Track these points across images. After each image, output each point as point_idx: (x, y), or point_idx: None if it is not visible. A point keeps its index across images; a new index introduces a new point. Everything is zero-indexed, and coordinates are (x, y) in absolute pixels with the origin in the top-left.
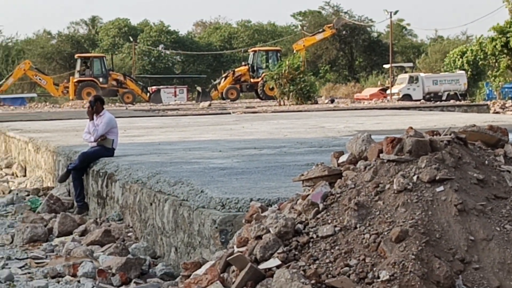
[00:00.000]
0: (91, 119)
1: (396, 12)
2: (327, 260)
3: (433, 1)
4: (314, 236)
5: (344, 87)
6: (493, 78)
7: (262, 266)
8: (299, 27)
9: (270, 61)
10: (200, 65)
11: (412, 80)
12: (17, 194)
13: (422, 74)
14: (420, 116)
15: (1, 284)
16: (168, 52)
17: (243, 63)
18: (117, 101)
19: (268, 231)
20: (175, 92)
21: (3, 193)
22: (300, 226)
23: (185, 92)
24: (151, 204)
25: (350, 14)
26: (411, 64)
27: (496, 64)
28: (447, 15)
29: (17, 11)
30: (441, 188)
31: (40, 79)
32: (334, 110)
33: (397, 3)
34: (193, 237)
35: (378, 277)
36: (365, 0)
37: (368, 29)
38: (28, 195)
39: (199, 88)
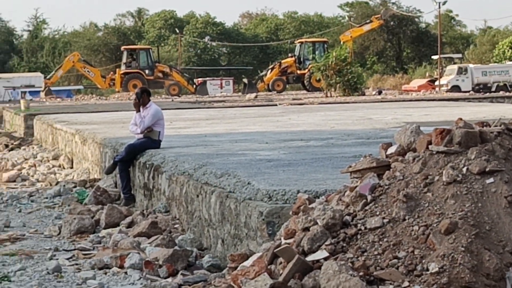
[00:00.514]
0: (138, 111)
1: (444, 3)
2: (376, 252)
3: None
4: (362, 228)
5: (392, 78)
6: None
7: (310, 258)
8: (346, 18)
9: (316, 52)
10: (246, 56)
11: (461, 71)
12: (64, 185)
13: (471, 65)
14: (469, 107)
15: (49, 275)
16: (214, 43)
17: (289, 55)
18: (163, 93)
19: (316, 223)
20: (221, 84)
21: (50, 185)
22: (348, 218)
23: (231, 84)
24: (197, 196)
25: (397, 5)
26: (460, 55)
27: None
28: (497, 5)
29: (64, 3)
30: (491, 179)
31: (88, 71)
32: (381, 101)
33: None
34: (239, 229)
35: (427, 270)
36: None
37: (416, 19)
38: (75, 186)
39: (245, 80)
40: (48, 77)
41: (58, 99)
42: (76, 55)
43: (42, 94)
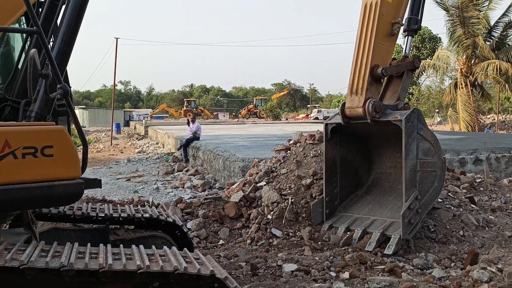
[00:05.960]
0: (188, 125)
1: (312, 84)
2: (284, 183)
3: (321, 72)
4: (279, 173)
5: (292, 114)
6: None
7: (258, 184)
8: (274, 89)
9: (262, 103)
10: (234, 104)
11: (319, 112)
12: (160, 155)
13: (322, 109)
14: (316, 126)
15: (154, 191)
16: (221, 98)
17: (252, 104)
18: (201, 118)
19: (261, 170)
20: (224, 114)
21: (155, 154)
22: (273, 168)
23: (228, 115)
24: (214, 159)
25: (295, 84)
26: (319, 105)
27: None
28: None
29: (165, 78)
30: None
31: (169, 109)
32: (287, 123)
33: (314, 75)
34: (231, 172)
35: (303, 191)
36: (302, 77)
37: (301, 90)
38: (164, 155)
39: (233, 113)
40: (152, 111)
41: (157, 120)
42: (165, 105)
43: (147, 118)
